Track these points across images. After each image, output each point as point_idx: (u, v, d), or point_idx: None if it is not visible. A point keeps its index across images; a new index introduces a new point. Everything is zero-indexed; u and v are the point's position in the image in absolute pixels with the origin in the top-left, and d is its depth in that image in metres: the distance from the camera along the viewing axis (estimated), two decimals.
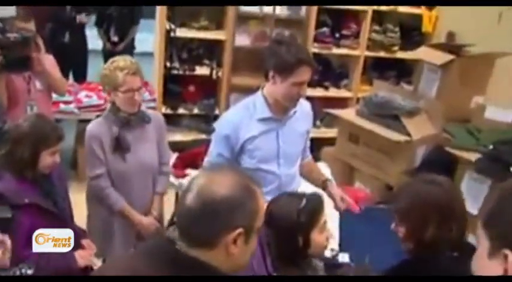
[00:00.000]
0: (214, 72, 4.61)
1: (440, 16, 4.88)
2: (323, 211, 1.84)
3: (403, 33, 5.03)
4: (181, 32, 4.45)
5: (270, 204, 1.85)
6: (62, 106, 4.11)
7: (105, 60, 3.65)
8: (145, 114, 2.56)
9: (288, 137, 2.31)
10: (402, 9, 4.92)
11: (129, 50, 5.41)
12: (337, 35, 4.91)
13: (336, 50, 4.89)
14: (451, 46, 4.04)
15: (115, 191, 2.53)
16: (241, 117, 2.27)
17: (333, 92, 5.05)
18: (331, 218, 2.82)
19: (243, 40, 4.67)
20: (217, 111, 4.77)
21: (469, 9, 4.15)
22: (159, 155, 2.63)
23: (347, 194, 2.53)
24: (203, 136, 4.62)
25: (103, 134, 2.47)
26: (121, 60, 2.44)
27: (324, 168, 3.16)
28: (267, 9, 4.57)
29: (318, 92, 4.96)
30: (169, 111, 4.62)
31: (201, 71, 4.62)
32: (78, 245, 2.18)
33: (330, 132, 4.59)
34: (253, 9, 4.55)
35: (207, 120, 4.80)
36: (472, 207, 1.79)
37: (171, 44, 4.49)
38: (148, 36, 5.42)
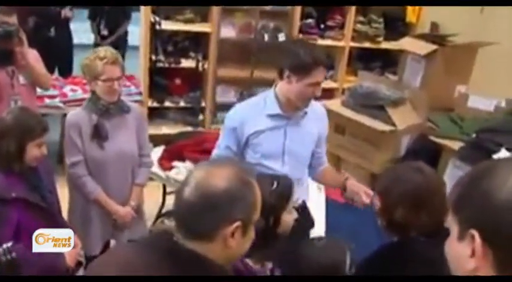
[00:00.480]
0: (200, 64, 4.61)
1: (424, 7, 4.92)
2: (293, 193, 1.87)
3: (387, 24, 5.06)
4: (166, 25, 4.44)
5: None
6: (47, 100, 4.09)
7: None
8: (124, 104, 2.60)
9: (296, 135, 2.28)
10: None
11: (121, 44, 5.37)
12: (322, 26, 4.93)
13: (321, 41, 4.89)
14: (434, 36, 4.09)
15: (92, 179, 2.54)
16: (249, 111, 2.27)
17: None
18: (317, 206, 2.86)
19: (228, 32, 4.67)
20: (203, 104, 4.78)
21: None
22: (139, 146, 2.66)
23: None
24: (189, 128, 4.63)
25: (82, 122, 2.50)
26: (102, 51, 2.48)
27: None
28: None
29: None
30: (155, 104, 4.62)
31: (187, 63, 4.61)
32: None
33: None
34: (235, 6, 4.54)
35: (194, 112, 4.81)
36: None
37: (156, 36, 4.48)
38: (135, 29, 5.39)
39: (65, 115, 4.25)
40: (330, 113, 4.04)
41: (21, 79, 3.08)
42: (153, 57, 4.46)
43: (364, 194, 2.26)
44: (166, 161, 3.46)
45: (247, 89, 4.93)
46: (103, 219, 2.63)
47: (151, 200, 3.37)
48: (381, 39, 5.04)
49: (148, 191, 2.96)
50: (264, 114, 2.24)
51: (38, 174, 2.18)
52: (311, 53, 2.10)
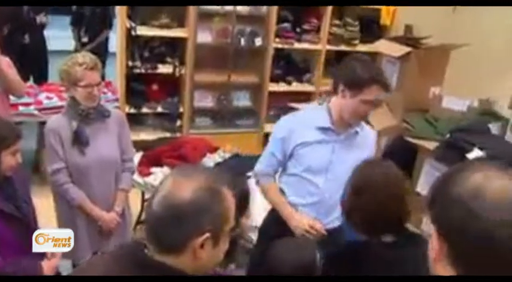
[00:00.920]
0: (177, 70, 4.60)
1: (398, 9, 5.00)
2: (249, 197, 1.88)
3: (362, 27, 5.13)
4: (142, 30, 4.42)
5: None
6: (21, 108, 4.02)
7: None
8: (104, 109, 2.56)
9: (343, 155, 2.19)
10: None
11: (101, 51, 5.31)
12: (298, 30, 4.97)
13: (297, 45, 4.95)
14: (408, 39, 4.16)
15: (74, 186, 2.51)
16: (298, 122, 2.24)
17: (295, 87, 5.12)
18: None
19: (205, 37, 4.68)
20: (181, 109, 4.77)
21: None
22: (121, 151, 2.63)
23: None
24: (167, 134, 4.62)
25: (62, 129, 2.46)
26: (80, 56, 2.44)
27: None
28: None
29: (281, 87, 5.02)
30: (133, 110, 4.59)
31: (164, 69, 4.60)
32: (42, 253, 2.11)
33: None
34: (215, 6, 4.56)
35: (171, 118, 4.79)
36: None
37: (133, 42, 4.46)
38: (113, 35, 5.35)
39: (41, 123, 4.24)
40: None
41: None
42: (130, 63, 4.44)
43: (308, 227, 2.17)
44: (144, 167, 3.45)
45: (224, 93, 4.94)
46: (90, 227, 2.59)
47: (131, 207, 3.34)
48: (356, 42, 5.10)
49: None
50: (313, 126, 2.20)
51: (12, 184, 2.14)
52: (368, 70, 2.06)
